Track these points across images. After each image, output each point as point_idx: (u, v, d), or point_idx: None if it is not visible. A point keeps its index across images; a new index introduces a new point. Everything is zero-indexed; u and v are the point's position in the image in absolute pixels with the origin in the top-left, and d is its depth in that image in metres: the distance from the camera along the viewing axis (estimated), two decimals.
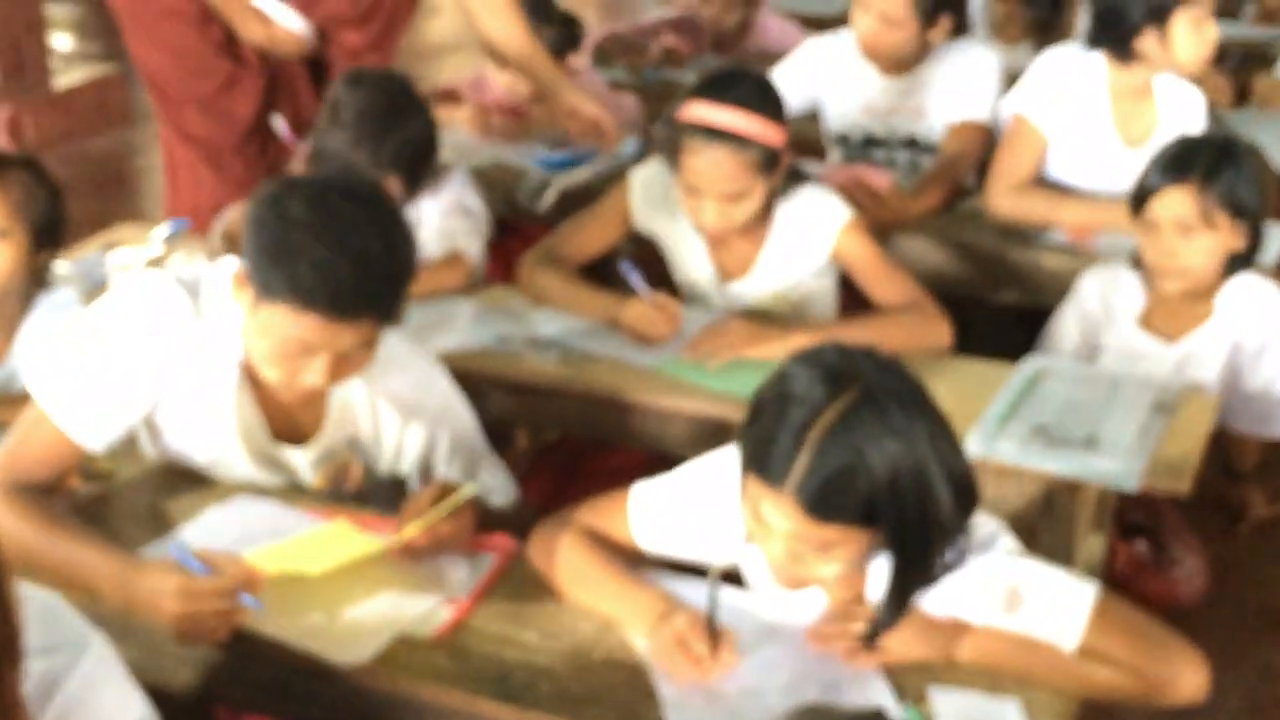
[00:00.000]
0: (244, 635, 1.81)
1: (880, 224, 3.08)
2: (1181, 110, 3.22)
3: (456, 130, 3.71)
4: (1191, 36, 3.02)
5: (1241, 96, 4.17)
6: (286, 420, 2.12)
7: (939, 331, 2.59)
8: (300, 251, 1.84)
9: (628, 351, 2.56)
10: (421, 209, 2.93)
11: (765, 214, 2.70)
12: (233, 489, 2.14)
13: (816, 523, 1.63)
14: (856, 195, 3.07)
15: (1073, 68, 3.17)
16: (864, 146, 3.54)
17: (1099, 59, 3.15)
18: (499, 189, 3.43)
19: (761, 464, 1.66)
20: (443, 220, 2.91)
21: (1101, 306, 2.75)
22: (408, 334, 2.56)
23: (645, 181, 2.80)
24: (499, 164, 3.54)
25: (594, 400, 2.50)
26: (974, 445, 2.26)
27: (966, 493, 1.68)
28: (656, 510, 1.95)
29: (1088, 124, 3.17)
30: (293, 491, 2.17)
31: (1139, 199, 2.67)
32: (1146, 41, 3.04)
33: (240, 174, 3.46)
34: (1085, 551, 2.41)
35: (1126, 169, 2.90)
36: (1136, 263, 2.73)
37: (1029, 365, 2.53)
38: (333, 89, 2.81)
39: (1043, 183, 3.22)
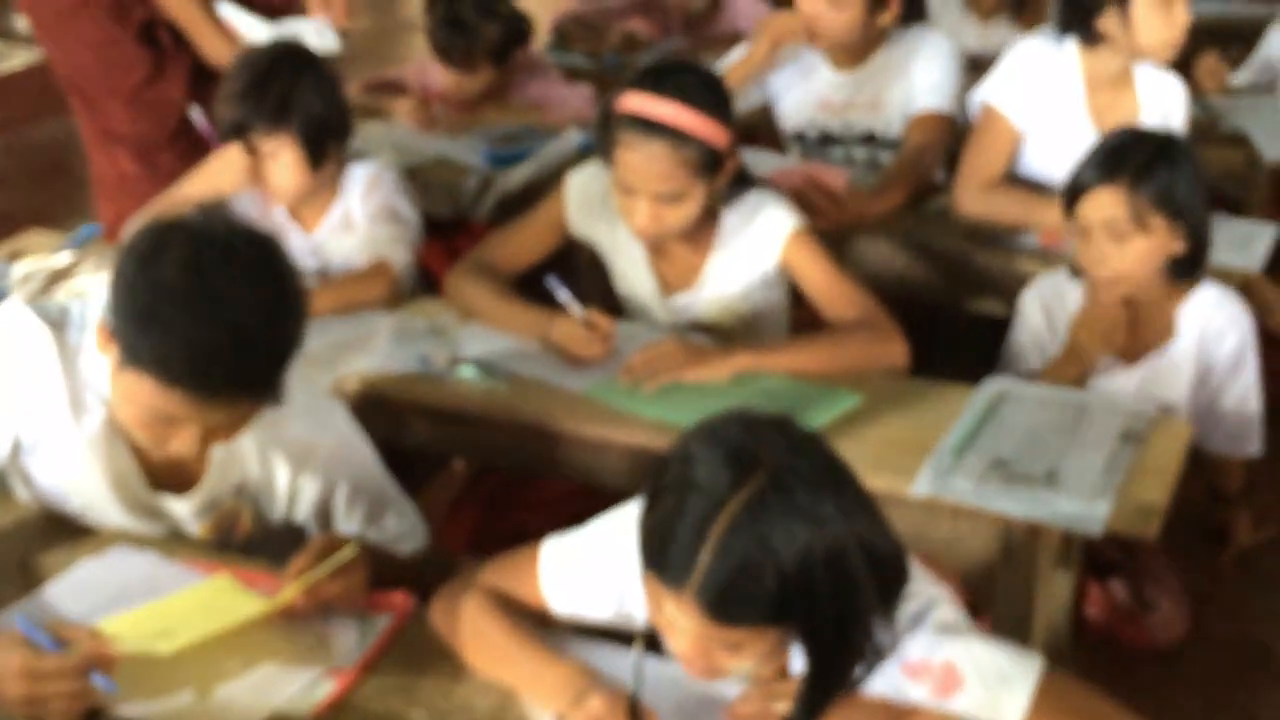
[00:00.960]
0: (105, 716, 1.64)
1: (838, 226, 2.90)
2: (1162, 101, 3.02)
3: (397, 125, 3.52)
4: (1156, 18, 2.81)
5: None
6: (164, 467, 1.93)
7: (894, 350, 2.40)
8: (169, 324, 1.65)
9: (559, 374, 2.37)
10: (350, 212, 2.75)
11: (711, 222, 2.51)
12: (111, 538, 1.96)
13: (722, 626, 1.45)
14: (811, 196, 2.88)
15: (1045, 57, 2.97)
16: (820, 144, 3.34)
17: (1071, 47, 2.95)
18: (441, 187, 3.25)
19: (660, 562, 1.47)
20: (370, 226, 2.72)
21: (1047, 322, 2.56)
22: (323, 354, 2.41)
23: (582, 185, 2.61)
24: (442, 160, 3.35)
25: (520, 429, 2.31)
26: (926, 482, 2.08)
27: (891, 575, 1.49)
28: (570, 569, 1.77)
29: (1062, 116, 2.97)
30: (175, 541, 1.98)
31: (1070, 199, 2.48)
32: (1108, 22, 2.84)
33: (173, 169, 3.26)
34: (1049, 594, 2.23)
35: None
36: (1076, 270, 2.53)
37: (988, 388, 2.34)
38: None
39: (1016, 179, 3.02)
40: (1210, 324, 2.50)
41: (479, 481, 2.66)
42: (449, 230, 3.37)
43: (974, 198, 2.90)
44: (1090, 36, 2.89)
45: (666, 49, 4.32)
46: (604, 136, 2.42)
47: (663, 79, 2.39)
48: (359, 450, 2.04)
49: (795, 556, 1.40)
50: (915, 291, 2.90)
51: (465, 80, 3.53)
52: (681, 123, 2.34)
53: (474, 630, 1.74)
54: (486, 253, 2.63)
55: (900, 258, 2.94)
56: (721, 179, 2.44)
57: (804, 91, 3.32)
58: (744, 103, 3.36)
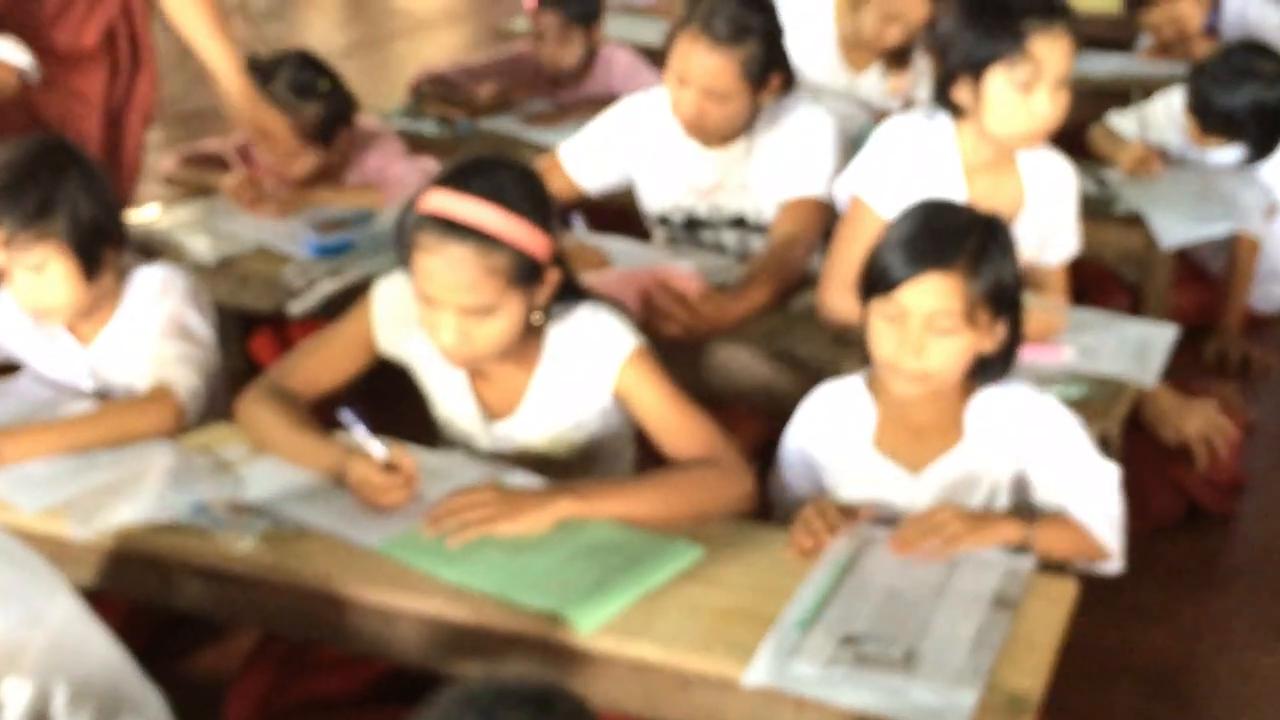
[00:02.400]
0: None
1: (692, 334, 2.60)
2: (1050, 184, 2.75)
3: (219, 205, 3.19)
4: (1011, 101, 2.51)
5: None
6: None
7: (738, 491, 2.11)
8: None
9: (353, 523, 2.05)
10: (134, 323, 2.42)
11: (535, 339, 2.21)
12: None
13: None
14: (662, 301, 2.59)
15: (917, 137, 2.68)
16: (686, 228, 3.04)
17: (946, 124, 2.66)
18: (260, 281, 2.93)
19: None
20: (155, 342, 2.38)
21: (815, 431, 2.24)
22: (81, 500, 2.08)
23: (392, 296, 2.29)
24: (262, 250, 3.02)
25: (301, 592, 1.99)
26: (763, 669, 1.77)
27: None
28: None
29: None
30: None
31: (878, 282, 2.11)
32: (963, 93, 2.56)
33: None
34: None
35: None
36: (864, 358, 2.18)
37: (844, 540, 2.04)
38: None
39: None
40: (1008, 424, 2.14)
41: (273, 638, 2.32)
42: (280, 318, 3.05)
43: (840, 300, 2.59)
44: (955, 110, 2.62)
45: (534, 110, 4.02)
46: (403, 240, 2.11)
47: (471, 176, 2.09)
48: (85, 640, 1.71)
49: None
50: (780, 403, 2.59)
51: (285, 164, 3.20)
52: (489, 225, 2.04)
53: None
54: (284, 374, 2.30)
55: (762, 366, 2.65)
56: (543, 291, 2.14)
57: (670, 172, 3.01)
58: (600, 184, 3.08)
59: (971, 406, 2.15)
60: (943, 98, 2.64)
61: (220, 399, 2.46)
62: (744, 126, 2.87)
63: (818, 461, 2.23)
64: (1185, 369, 3.09)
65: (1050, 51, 2.49)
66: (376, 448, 2.09)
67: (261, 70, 3.16)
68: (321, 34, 8.17)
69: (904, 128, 2.71)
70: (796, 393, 2.58)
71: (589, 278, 2.67)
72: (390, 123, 3.86)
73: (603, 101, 3.56)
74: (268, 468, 2.19)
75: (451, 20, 8.13)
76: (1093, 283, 3.49)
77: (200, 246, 2.98)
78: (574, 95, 4.09)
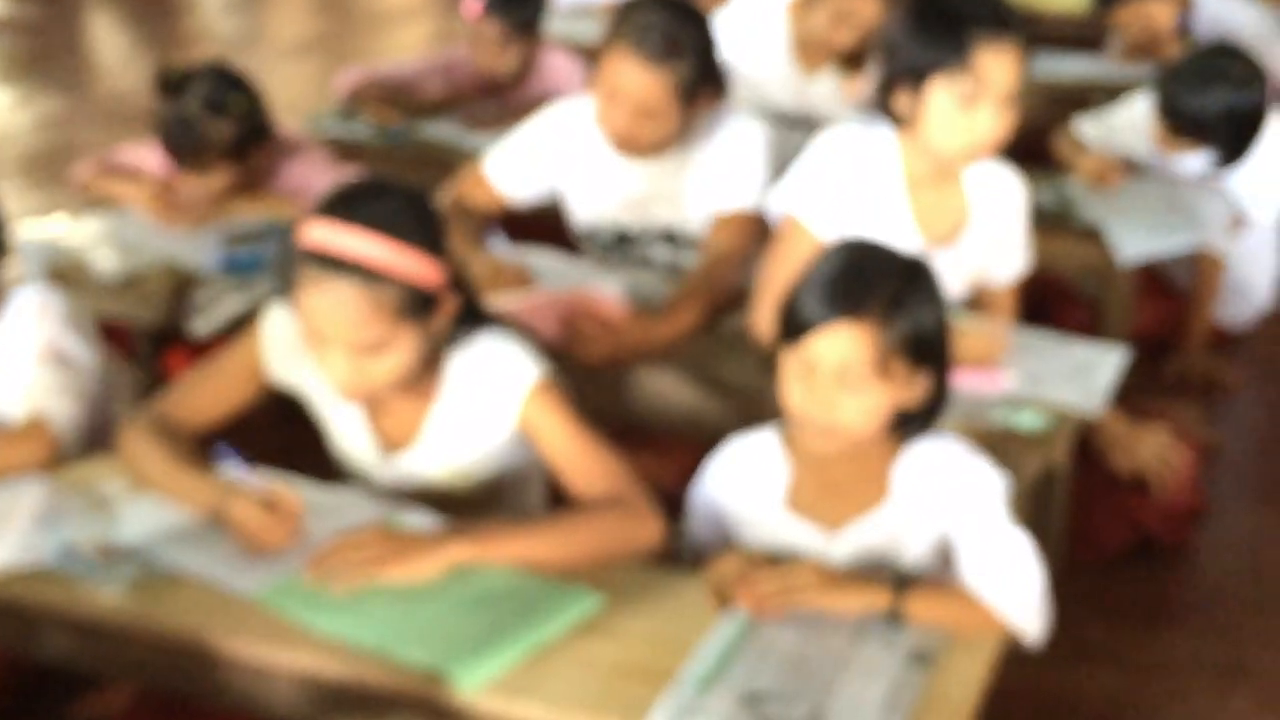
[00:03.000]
0: None
1: (616, 359, 2.46)
2: (996, 200, 2.61)
3: (129, 216, 3.05)
4: (952, 114, 2.38)
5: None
6: None
7: (645, 531, 1.97)
8: None
9: (233, 568, 1.91)
10: (12, 346, 2.27)
11: (434, 369, 2.07)
12: None
13: None
14: (585, 326, 2.45)
15: (856, 148, 2.53)
16: (616, 244, 2.89)
17: (889, 134, 2.52)
18: (163, 299, 2.78)
19: None
20: (32, 370, 2.24)
21: (725, 486, 2.07)
22: None
23: (284, 323, 2.14)
24: (168, 265, 2.87)
25: (171, 646, 1.85)
26: None
27: None
28: None
29: (881, 219, 2.52)
30: None
31: (790, 327, 1.94)
32: (902, 102, 2.43)
33: None
34: None
35: None
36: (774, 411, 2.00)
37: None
38: None
39: None
40: (934, 483, 1.96)
41: (151, 692, 2.17)
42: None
43: (771, 322, 2.44)
44: (896, 119, 2.47)
45: (472, 115, 3.88)
46: (285, 275, 1.97)
47: (355, 205, 1.94)
48: None
49: None
50: (709, 431, 2.44)
51: (198, 182, 3.05)
52: (374, 259, 1.90)
53: None
54: (168, 404, 2.16)
55: (689, 391, 2.51)
56: (439, 320, 2.00)
57: (599, 184, 2.87)
58: (526, 195, 2.93)
59: (899, 464, 1.98)
60: (883, 105, 2.50)
61: (116, 424, 2.32)
62: (674, 139, 2.73)
63: (726, 518, 2.07)
64: (1145, 389, 2.96)
65: (996, 66, 2.35)
66: (254, 484, 1.95)
67: (174, 84, 3.01)
68: (285, 27, 8.04)
69: (841, 139, 2.56)
70: (726, 421, 2.46)
71: (509, 300, 2.55)
72: (322, 126, 3.71)
73: (540, 103, 3.42)
74: (146, 506, 2.04)
75: (416, 15, 8.04)
76: (1050, 298, 3.36)
77: (106, 261, 2.84)
78: (513, 100, 3.95)
